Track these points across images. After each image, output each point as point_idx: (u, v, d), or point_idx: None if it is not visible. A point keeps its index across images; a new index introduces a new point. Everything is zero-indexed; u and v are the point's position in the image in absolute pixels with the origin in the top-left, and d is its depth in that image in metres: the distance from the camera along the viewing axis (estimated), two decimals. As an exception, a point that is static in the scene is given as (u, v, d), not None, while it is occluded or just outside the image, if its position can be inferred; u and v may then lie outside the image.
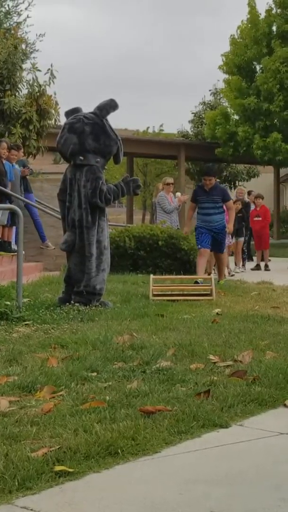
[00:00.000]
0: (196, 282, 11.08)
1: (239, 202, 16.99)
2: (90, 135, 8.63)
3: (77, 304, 8.44)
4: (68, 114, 9.08)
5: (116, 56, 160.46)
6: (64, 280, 9.04)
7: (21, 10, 23.29)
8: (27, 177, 14.93)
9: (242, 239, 17.19)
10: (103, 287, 8.86)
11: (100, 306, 8.53)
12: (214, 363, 5.32)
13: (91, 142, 8.63)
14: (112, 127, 8.81)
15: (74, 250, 8.73)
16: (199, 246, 12.06)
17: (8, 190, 12.74)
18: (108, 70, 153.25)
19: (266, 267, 17.65)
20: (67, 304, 8.46)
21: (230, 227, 12.58)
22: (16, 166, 13.97)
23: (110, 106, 8.73)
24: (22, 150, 14.92)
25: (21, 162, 15.12)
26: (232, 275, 15.05)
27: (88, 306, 8.40)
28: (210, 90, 45.75)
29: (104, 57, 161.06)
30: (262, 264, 17.92)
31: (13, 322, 7.34)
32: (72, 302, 8.54)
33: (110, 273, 9.67)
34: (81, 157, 8.68)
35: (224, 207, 12.31)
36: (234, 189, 36.68)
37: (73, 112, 8.99)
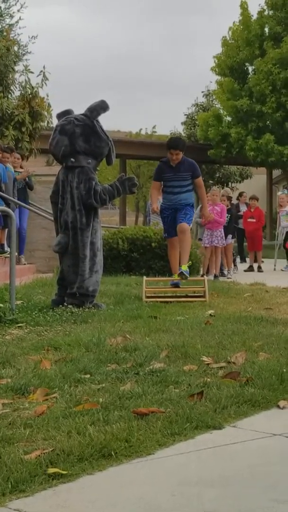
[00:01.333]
0: (177, 285, 10.35)
1: (225, 198, 16.83)
2: (80, 137, 8.63)
3: (70, 306, 8.43)
4: (59, 116, 9.11)
5: (111, 56, 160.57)
6: (57, 282, 9.03)
7: (13, 12, 23.25)
8: (28, 190, 14.85)
9: (232, 240, 17.10)
10: (96, 288, 8.85)
11: (93, 308, 8.53)
12: (207, 364, 5.32)
13: (82, 143, 8.64)
14: (103, 128, 8.81)
15: (67, 252, 8.72)
16: (166, 235, 10.69)
17: (1, 193, 12.71)
18: (104, 70, 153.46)
19: (259, 269, 17.66)
20: (60, 306, 8.45)
21: (206, 214, 11.33)
22: (10, 168, 13.95)
23: (100, 107, 8.73)
24: (16, 152, 14.88)
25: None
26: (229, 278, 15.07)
27: (81, 308, 8.39)
28: (202, 92, 45.88)
29: (99, 58, 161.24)
30: (255, 266, 17.94)
31: (6, 324, 7.34)
32: (65, 304, 8.53)
33: (103, 274, 9.67)
34: (72, 159, 8.69)
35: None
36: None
37: (64, 114, 9.01)
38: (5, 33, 19.79)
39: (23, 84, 18.35)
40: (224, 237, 15.18)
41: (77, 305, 8.50)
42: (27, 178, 14.80)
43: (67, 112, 9.02)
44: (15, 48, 19.04)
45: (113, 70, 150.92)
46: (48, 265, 14.65)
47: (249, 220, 18.18)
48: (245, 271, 17.42)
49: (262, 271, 17.21)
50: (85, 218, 8.65)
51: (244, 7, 37.51)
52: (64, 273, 8.80)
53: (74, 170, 8.69)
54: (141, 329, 6.99)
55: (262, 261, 18.29)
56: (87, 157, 8.69)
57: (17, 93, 18.61)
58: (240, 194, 20.77)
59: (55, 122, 9.94)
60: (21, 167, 14.78)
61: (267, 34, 36.95)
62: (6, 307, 7.99)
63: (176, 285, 10.36)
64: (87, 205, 8.65)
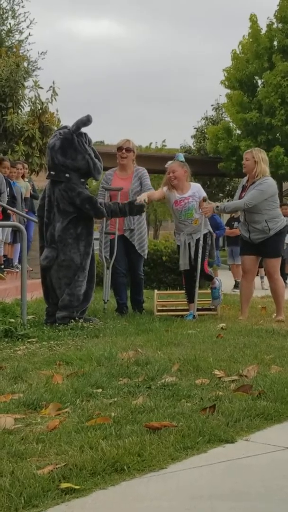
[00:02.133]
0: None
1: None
2: (59, 150, 8.66)
3: (58, 321, 8.42)
4: (56, 131, 9.24)
5: (121, 72, 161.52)
6: (46, 301, 8.98)
7: (22, 28, 23.45)
8: (34, 200, 14.94)
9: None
10: (88, 299, 8.77)
11: (84, 321, 8.44)
12: (219, 378, 5.31)
13: (60, 157, 8.65)
14: (84, 143, 8.75)
15: (55, 265, 8.65)
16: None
17: (12, 208, 12.75)
18: (120, 84, 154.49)
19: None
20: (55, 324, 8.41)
21: None
22: (17, 183, 14.01)
23: (81, 121, 8.69)
24: (22, 166, 14.93)
25: (29, 181, 15.22)
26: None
27: (73, 322, 8.32)
28: (212, 105, 46.00)
29: (110, 74, 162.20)
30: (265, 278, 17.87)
31: (18, 339, 7.34)
32: (57, 318, 8.51)
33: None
34: (52, 172, 8.73)
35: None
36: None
37: (59, 129, 9.13)
38: (14, 49, 19.93)
39: (32, 99, 18.45)
40: None
41: (68, 317, 8.45)
42: (31, 191, 14.92)
43: (64, 128, 9.08)
44: (25, 64, 19.15)
45: (123, 85, 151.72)
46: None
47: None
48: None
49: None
50: (73, 230, 8.62)
51: (253, 20, 37.60)
52: (55, 287, 8.73)
53: (57, 184, 8.69)
54: (152, 343, 6.99)
55: None
56: (66, 170, 8.65)
57: (27, 108, 18.73)
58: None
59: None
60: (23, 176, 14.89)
61: (276, 47, 37.03)
62: (17, 322, 8.00)
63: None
64: (84, 210, 8.61)
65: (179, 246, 9.70)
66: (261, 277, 17.10)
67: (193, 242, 9.52)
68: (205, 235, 9.57)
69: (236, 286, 16.62)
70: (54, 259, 8.60)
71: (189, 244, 9.53)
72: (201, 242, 9.50)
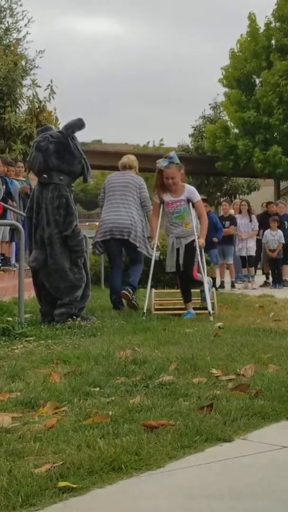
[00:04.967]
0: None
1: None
2: (54, 154, 8.66)
3: (57, 318, 8.45)
4: (39, 132, 9.26)
5: (119, 71, 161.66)
6: (39, 301, 8.99)
7: (20, 27, 23.46)
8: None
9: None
10: (83, 298, 8.80)
11: (82, 320, 8.46)
12: (217, 377, 5.31)
13: (55, 160, 8.66)
14: (78, 146, 8.84)
15: (46, 268, 8.67)
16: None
17: (9, 206, 12.74)
18: (120, 84, 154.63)
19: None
20: (53, 322, 8.44)
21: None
22: (15, 182, 14.00)
23: (76, 125, 8.73)
24: (19, 165, 14.93)
25: (27, 182, 15.21)
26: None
27: (71, 320, 8.34)
28: (210, 104, 45.99)
29: (111, 72, 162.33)
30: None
31: (15, 338, 7.35)
32: (55, 314, 8.53)
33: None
34: (45, 175, 8.72)
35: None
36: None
37: (44, 130, 9.13)
38: (12, 48, 19.93)
39: (30, 98, 18.45)
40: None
41: (67, 313, 8.47)
42: (28, 191, 14.92)
43: (47, 129, 9.12)
44: (23, 62, 19.15)
45: (123, 85, 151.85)
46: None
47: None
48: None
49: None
50: (58, 231, 8.67)
51: (252, 19, 37.61)
52: (49, 289, 8.75)
53: (48, 186, 8.71)
54: (150, 342, 6.99)
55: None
56: (59, 174, 8.68)
57: (24, 107, 18.73)
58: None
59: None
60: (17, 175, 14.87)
61: (274, 46, 37.05)
62: (15, 321, 8.00)
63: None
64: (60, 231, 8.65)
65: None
66: (251, 277, 17.13)
67: (182, 246, 9.56)
68: (194, 241, 9.57)
69: (232, 285, 16.63)
70: (43, 261, 8.62)
71: (177, 249, 9.57)
72: (184, 244, 9.54)
